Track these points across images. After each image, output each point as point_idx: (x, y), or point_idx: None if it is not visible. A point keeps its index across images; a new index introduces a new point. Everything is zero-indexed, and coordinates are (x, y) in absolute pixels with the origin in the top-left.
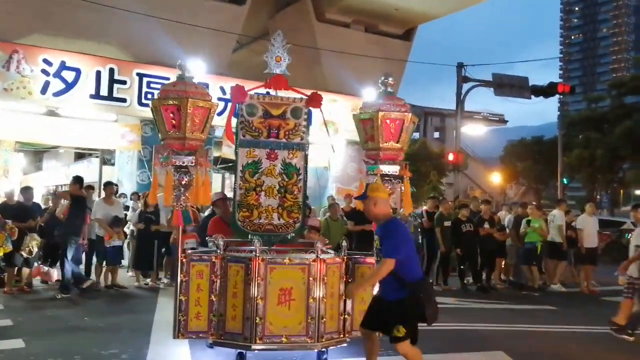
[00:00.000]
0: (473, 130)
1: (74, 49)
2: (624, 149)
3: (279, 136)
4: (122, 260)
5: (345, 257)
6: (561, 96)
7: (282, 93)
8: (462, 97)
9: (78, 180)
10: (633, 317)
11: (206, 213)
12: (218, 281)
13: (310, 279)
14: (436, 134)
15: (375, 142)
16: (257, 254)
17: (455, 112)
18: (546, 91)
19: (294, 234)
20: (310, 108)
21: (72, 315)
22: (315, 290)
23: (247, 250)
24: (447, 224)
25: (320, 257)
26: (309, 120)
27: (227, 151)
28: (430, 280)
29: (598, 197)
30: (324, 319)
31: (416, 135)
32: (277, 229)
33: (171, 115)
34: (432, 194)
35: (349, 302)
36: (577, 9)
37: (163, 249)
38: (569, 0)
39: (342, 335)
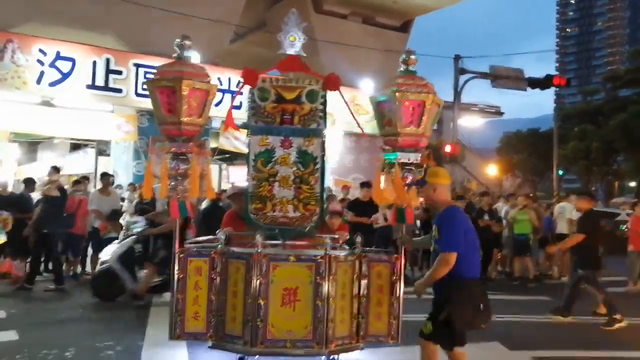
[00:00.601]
0: (470, 122)
1: (69, 38)
2: (619, 141)
3: (293, 122)
4: None
5: (358, 254)
6: (557, 89)
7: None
8: (459, 89)
9: (56, 170)
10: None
11: (203, 205)
12: (218, 279)
13: (318, 277)
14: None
15: (393, 126)
16: (259, 250)
17: (452, 104)
18: (542, 83)
19: (310, 228)
20: (328, 91)
21: (66, 307)
22: (323, 290)
23: (252, 245)
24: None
25: (330, 253)
26: (325, 104)
27: (225, 142)
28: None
29: (593, 188)
30: (333, 323)
31: None
32: (292, 222)
33: (166, 98)
34: None
35: (363, 303)
36: (573, 2)
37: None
38: None
39: (354, 341)
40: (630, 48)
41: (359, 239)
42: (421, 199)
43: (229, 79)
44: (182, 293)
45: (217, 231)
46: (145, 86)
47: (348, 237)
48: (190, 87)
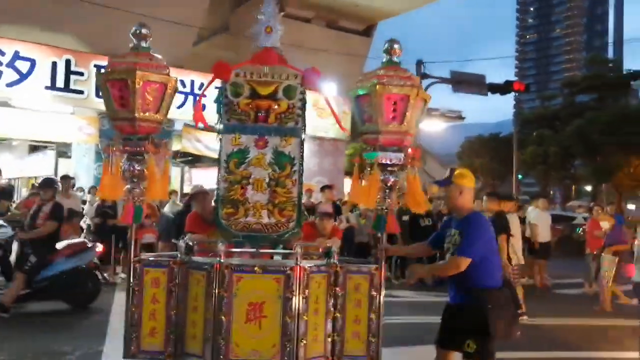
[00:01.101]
0: (431, 127)
1: (28, 38)
2: (576, 146)
3: (268, 120)
4: None
5: (335, 265)
6: (516, 94)
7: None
8: None
9: None
10: None
11: (167, 208)
12: (177, 291)
13: (287, 291)
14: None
15: (373, 123)
16: (221, 260)
17: None
18: (502, 88)
19: (287, 235)
20: (306, 87)
21: (23, 313)
22: (293, 305)
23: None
24: (406, 218)
25: (302, 264)
26: (304, 101)
27: (188, 144)
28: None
29: (551, 192)
30: (305, 341)
31: None
32: (266, 228)
33: (118, 91)
34: None
35: (339, 320)
36: (532, 9)
37: (120, 244)
38: (525, 0)
39: None
40: (587, 54)
41: (334, 248)
42: (389, 201)
43: (192, 82)
44: (137, 307)
45: (183, 237)
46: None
47: (339, 243)
48: (145, 79)
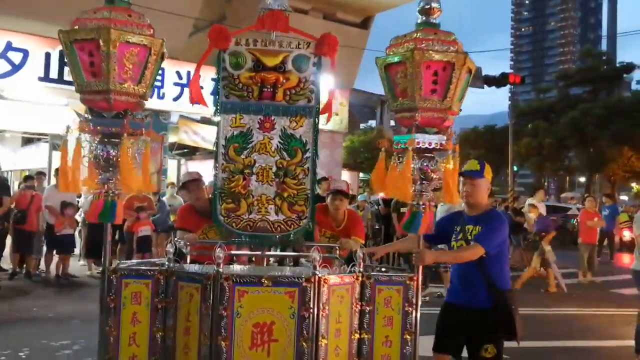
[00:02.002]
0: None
1: (21, 29)
2: (570, 138)
3: (276, 97)
4: (74, 249)
5: (360, 274)
6: (512, 86)
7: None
8: None
9: None
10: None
11: (167, 198)
12: (164, 309)
13: (303, 308)
14: (392, 122)
15: (409, 98)
16: (219, 269)
17: None
18: (498, 81)
19: (296, 235)
20: (322, 57)
21: (20, 306)
22: (310, 325)
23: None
24: (404, 210)
25: (319, 273)
26: (318, 74)
27: (184, 137)
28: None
29: (546, 183)
30: None
31: (372, 123)
32: (274, 227)
33: (88, 57)
34: None
35: (365, 342)
36: (527, 2)
37: (116, 236)
38: None
39: None
40: (581, 47)
41: (360, 253)
42: (381, 194)
43: (188, 73)
44: (114, 329)
45: (176, 238)
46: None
47: (361, 244)
48: (122, 40)
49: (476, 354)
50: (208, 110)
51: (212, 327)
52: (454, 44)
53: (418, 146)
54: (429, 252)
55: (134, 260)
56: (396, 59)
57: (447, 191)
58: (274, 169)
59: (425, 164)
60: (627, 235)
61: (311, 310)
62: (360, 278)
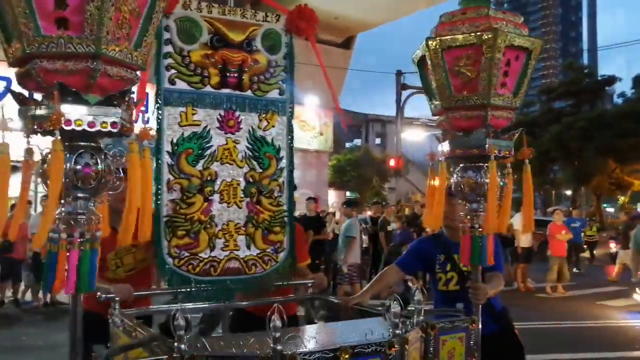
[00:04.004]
0: (413, 136)
1: (3, 57)
2: (554, 151)
3: (242, 85)
4: None
5: (427, 325)
6: None
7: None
8: (401, 103)
9: None
10: None
11: None
12: None
13: None
14: (378, 140)
15: (480, 92)
16: (277, 346)
17: (395, 119)
18: None
19: (275, 273)
20: (294, 35)
21: (10, 335)
22: None
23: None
24: (390, 228)
25: (400, 331)
26: (292, 57)
27: None
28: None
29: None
30: None
31: (358, 141)
32: (247, 267)
33: None
34: (376, 199)
35: None
36: None
37: None
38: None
39: None
40: (563, 61)
41: (418, 293)
42: (369, 213)
43: None
44: None
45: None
46: None
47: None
48: None
49: None
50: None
51: None
52: (485, 20)
53: (497, 154)
54: (488, 287)
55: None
56: (469, 41)
57: (525, 213)
58: (243, 184)
59: (477, 177)
60: (612, 247)
61: None
62: (424, 330)
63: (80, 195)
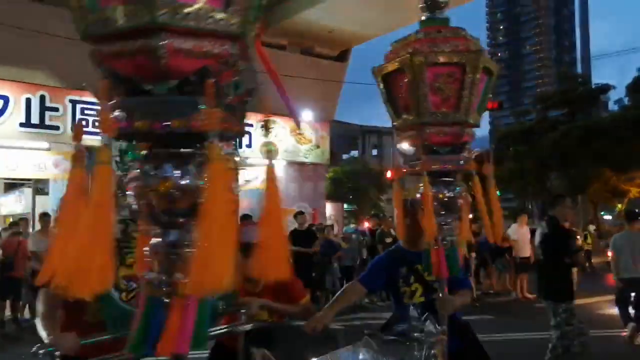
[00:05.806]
0: (407, 146)
1: (1, 75)
2: (551, 159)
3: None
4: None
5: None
6: (491, 111)
7: None
8: None
9: None
10: None
11: None
12: None
13: None
14: (374, 152)
15: (412, 112)
16: None
17: (392, 130)
18: None
19: (223, 300)
20: None
21: (11, 354)
22: None
23: None
24: (389, 240)
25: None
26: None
27: None
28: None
29: (530, 206)
30: None
31: (355, 153)
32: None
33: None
34: (373, 212)
35: None
36: (501, 27)
37: None
38: (494, 19)
39: None
40: (558, 70)
41: (439, 325)
42: (367, 224)
43: None
44: None
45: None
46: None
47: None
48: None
49: None
50: None
51: None
52: (463, 40)
53: (432, 170)
54: (455, 298)
55: None
56: (394, 66)
57: (496, 225)
58: None
59: (442, 190)
60: (610, 255)
61: None
62: None
63: (181, 220)
